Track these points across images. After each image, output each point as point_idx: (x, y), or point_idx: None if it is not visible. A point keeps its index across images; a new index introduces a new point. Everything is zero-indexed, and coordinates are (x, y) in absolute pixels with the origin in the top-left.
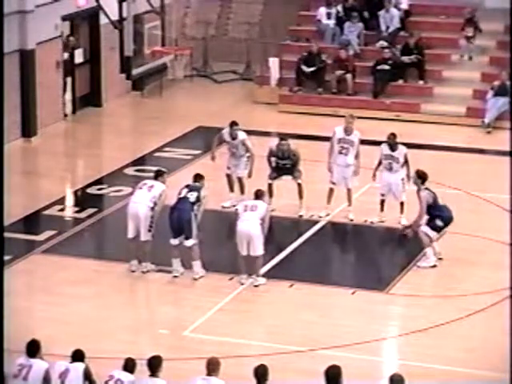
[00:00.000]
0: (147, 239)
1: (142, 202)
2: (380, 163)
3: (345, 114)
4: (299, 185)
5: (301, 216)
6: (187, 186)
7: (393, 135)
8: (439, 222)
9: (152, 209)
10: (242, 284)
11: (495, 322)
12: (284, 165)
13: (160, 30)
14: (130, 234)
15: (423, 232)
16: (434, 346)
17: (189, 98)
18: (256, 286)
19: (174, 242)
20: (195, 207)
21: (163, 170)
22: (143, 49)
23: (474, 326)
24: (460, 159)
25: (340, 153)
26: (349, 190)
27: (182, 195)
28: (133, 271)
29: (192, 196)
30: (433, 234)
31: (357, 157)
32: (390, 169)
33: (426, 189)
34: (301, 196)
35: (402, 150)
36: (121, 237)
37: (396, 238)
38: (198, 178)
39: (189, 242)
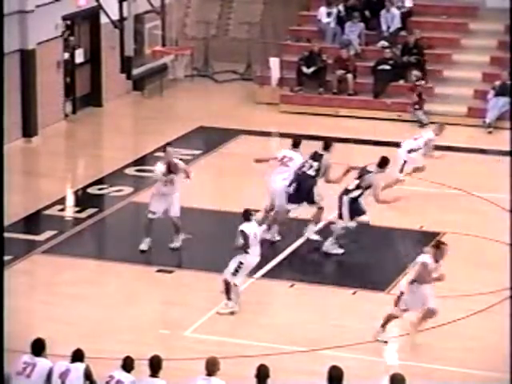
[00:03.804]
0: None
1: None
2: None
3: (346, 114)
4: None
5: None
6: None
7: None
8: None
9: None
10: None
11: (496, 323)
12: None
13: (160, 29)
14: None
15: None
16: (435, 346)
17: (189, 98)
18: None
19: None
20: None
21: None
22: (144, 49)
23: (474, 326)
24: (461, 159)
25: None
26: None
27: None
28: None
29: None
30: None
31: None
32: None
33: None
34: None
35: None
36: (121, 236)
37: (397, 238)
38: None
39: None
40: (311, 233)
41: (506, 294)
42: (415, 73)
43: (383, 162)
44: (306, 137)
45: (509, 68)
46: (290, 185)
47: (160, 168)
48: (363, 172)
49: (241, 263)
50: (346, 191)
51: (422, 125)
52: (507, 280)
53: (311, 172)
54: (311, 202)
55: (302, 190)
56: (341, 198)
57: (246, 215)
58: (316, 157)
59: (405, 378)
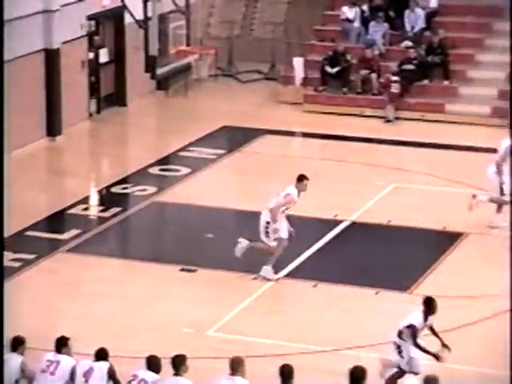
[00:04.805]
0: None
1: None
2: None
3: (371, 114)
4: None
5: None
6: None
7: None
8: None
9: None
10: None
11: None
12: None
13: (185, 29)
14: None
15: None
16: (458, 346)
17: (213, 98)
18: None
19: None
20: None
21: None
22: (168, 48)
23: (497, 326)
24: (485, 160)
25: None
26: None
27: None
28: None
29: None
30: None
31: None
32: None
33: None
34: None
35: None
36: (145, 236)
37: (420, 238)
38: None
39: None
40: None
41: None
42: (393, 65)
43: None
44: (331, 137)
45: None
46: None
47: (296, 193)
48: None
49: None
50: None
51: (387, 121)
52: None
53: None
54: None
55: None
56: None
57: (430, 304)
58: None
59: (438, 379)
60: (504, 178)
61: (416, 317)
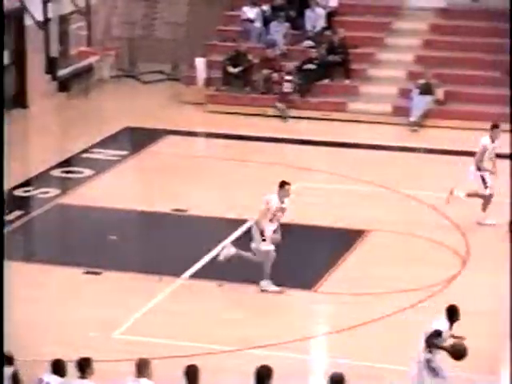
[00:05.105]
0: None
1: None
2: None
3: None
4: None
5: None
6: None
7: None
8: None
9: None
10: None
11: (422, 319)
12: None
13: (86, 30)
14: None
15: None
16: (362, 343)
17: (116, 99)
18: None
19: None
20: None
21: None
22: (69, 49)
23: (400, 323)
24: (386, 157)
25: None
26: None
27: None
28: None
29: None
30: None
31: None
32: None
33: None
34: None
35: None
36: (49, 238)
37: (324, 237)
38: None
39: None
40: None
41: (432, 290)
42: (289, 65)
43: None
44: (233, 136)
45: (431, 67)
46: None
47: (275, 199)
48: None
49: None
50: None
51: (284, 118)
52: (433, 276)
53: None
54: None
55: None
56: None
57: (454, 311)
58: None
59: (344, 377)
60: (484, 172)
61: (442, 324)
